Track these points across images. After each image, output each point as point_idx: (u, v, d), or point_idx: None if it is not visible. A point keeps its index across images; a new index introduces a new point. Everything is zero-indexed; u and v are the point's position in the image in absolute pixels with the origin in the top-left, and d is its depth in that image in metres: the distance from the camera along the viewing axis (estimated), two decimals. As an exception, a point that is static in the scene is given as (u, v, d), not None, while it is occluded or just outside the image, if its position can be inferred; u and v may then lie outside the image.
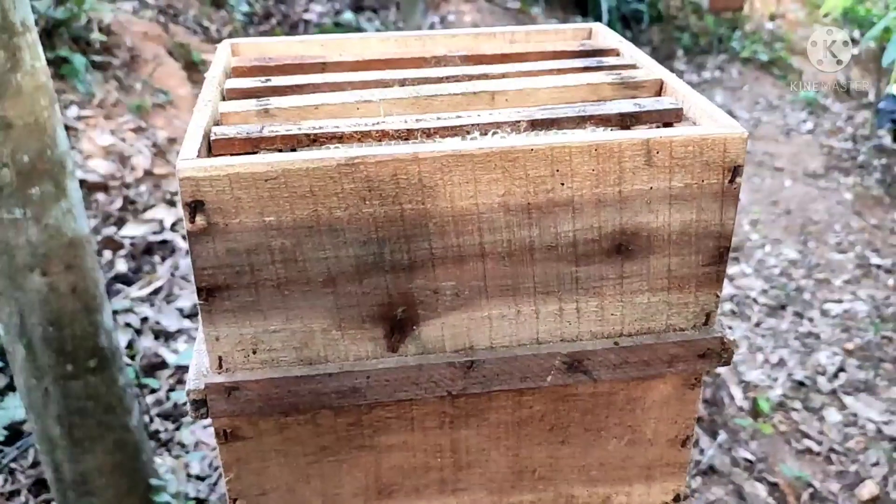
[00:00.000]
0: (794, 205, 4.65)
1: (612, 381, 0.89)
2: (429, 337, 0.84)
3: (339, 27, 4.52)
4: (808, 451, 3.05)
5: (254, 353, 0.81)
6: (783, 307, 3.88)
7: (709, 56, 6.44)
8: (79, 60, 3.42)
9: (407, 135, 0.82)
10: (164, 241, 3.18)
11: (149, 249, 3.13)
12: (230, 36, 4.28)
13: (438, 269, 0.80)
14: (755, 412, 3.22)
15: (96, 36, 3.55)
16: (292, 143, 0.80)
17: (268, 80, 0.93)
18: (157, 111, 3.58)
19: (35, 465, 2.36)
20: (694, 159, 0.78)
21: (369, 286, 0.80)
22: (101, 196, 3.22)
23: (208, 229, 0.74)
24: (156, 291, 2.96)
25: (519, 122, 0.83)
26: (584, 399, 0.90)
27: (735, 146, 0.78)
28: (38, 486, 2.30)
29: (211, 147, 0.80)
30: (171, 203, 3.33)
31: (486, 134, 0.82)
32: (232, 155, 0.78)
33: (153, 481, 2.08)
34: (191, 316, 2.90)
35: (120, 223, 3.19)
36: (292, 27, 4.61)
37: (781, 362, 3.53)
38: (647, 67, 0.96)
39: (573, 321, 0.85)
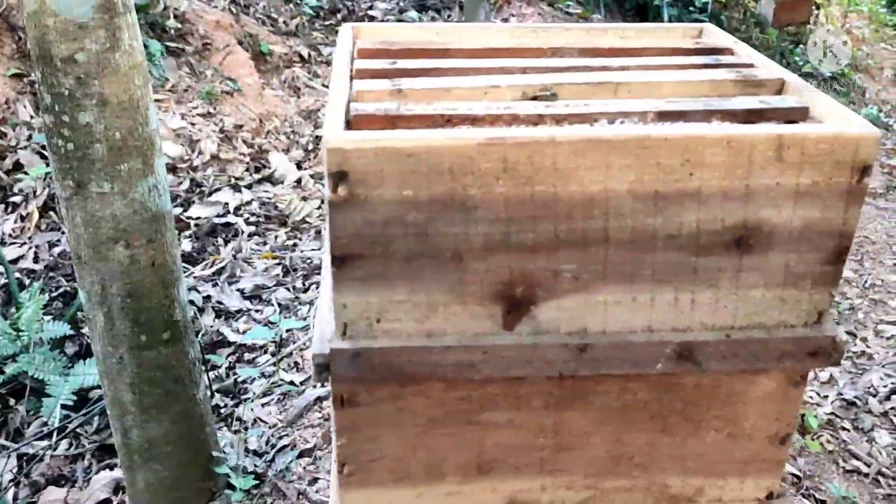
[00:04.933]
0: (851, 224, 4.58)
1: (717, 374, 0.90)
2: (544, 317, 0.86)
3: (402, 24, 4.57)
4: (857, 471, 3.00)
5: (378, 321, 0.84)
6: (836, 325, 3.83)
7: (769, 70, 6.35)
8: (154, 46, 3.52)
9: (537, 120, 0.84)
10: (227, 224, 3.26)
11: (213, 231, 3.21)
12: (297, 29, 4.37)
13: (561, 251, 0.82)
14: (803, 428, 3.18)
15: (171, 23, 3.66)
16: (427, 122, 0.83)
17: (394, 62, 0.96)
18: (226, 98, 3.66)
19: (99, 431, 2.43)
20: (825, 157, 0.79)
21: (493, 264, 0.82)
22: (169, 177, 3.30)
23: (349, 199, 0.78)
24: (218, 272, 3.03)
25: (646, 112, 0.85)
26: (688, 389, 0.92)
27: (867, 146, 0.79)
28: (102, 451, 2.37)
29: (350, 122, 0.84)
30: (236, 187, 3.41)
31: (613, 122, 0.84)
32: (372, 130, 0.81)
33: (215, 453, 2.14)
34: (251, 298, 2.96)
35: (186, 204, 3.27)
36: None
37: (832, 380, 3.48)
38: (766, 67, 0.97)
39: (686, 311, 0.86)
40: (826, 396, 3.43)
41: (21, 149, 3.05)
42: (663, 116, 0.85)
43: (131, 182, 1.85)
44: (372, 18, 4.84)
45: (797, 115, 0.87)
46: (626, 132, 0.77)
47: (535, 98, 0.90)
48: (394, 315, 0.84)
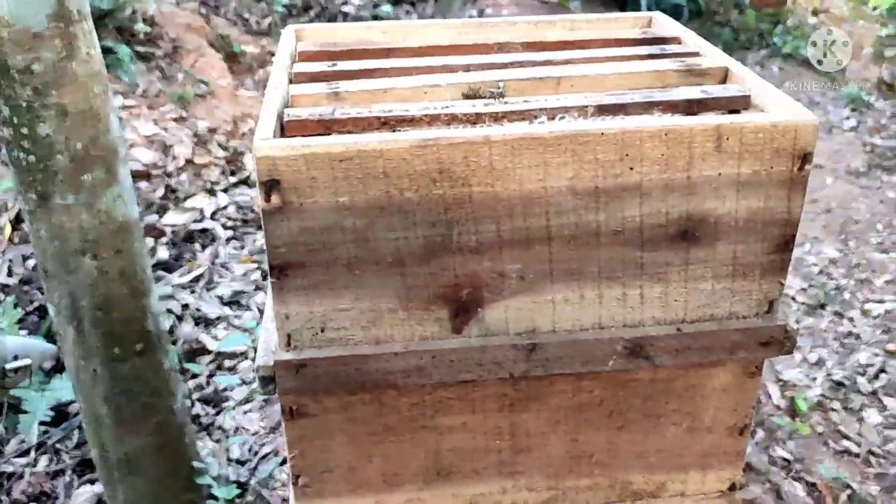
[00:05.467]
0: (834, 203, 4.58)
1: (672, 368, 0.89)
2: (492, 319, 0.85)
3: (378, 20, 4.55)
4: (847, 452, 3.00)
5: (322, 331, 0.82)
6: (822, 306, 3.83)
7: (749, 52, 6.34)
8: (123, 51, 3.48)
9: (475, 118, 0.83)
10: (204, 230, 3.23)
11: (189, 237, 3.18)
12: (270, 28, 4.33)
13: (505, 251, 0.81)
14: (793, 411, 3.18)
15: (140, 27, 3.62)
16: (363, 125, 0.82)
17: (334, 64, 0.95)
18: (199, 101, 3.63)
19: (79, 446, 2.41)
20: (764, 146, 0.78)
21: (437, 267, 0.81)
22: (143, 184, 3.27)
23: (283, 208, 0.76)
24: (196, 279, 3.00)
25: (586, 107, 0.83)
26: (644, 385, 0.91)
27: (806, 133, 0.77)
28: (83, 466, 2.35)
29: (284, 128, 0.82)
30: (212, 192, 3.38)
31: (553, 118, 0.83)
32: (305, 136, 0.79)
33: (195, 464, 2.12)
34: (230, 304, 2.94)
35: (161, 211, 3.24)
36: (330, 19, 4.65)
37: (820, 362, 3.48)
38: (711, 55, 0.96)
39: (636, 306, 0.85)
40: (815, 378, 3.43)
41: (-9, 162, 3.01)
42: (603, 110, 0.83)
43: (96, 192, 1.82)
44: (346, 14, 4.81)
45: (739, 103, 0.85)
46: (562, 128, 0.76)
47: (481, 97, 0.89)
48: (339, 323, 0.82)
